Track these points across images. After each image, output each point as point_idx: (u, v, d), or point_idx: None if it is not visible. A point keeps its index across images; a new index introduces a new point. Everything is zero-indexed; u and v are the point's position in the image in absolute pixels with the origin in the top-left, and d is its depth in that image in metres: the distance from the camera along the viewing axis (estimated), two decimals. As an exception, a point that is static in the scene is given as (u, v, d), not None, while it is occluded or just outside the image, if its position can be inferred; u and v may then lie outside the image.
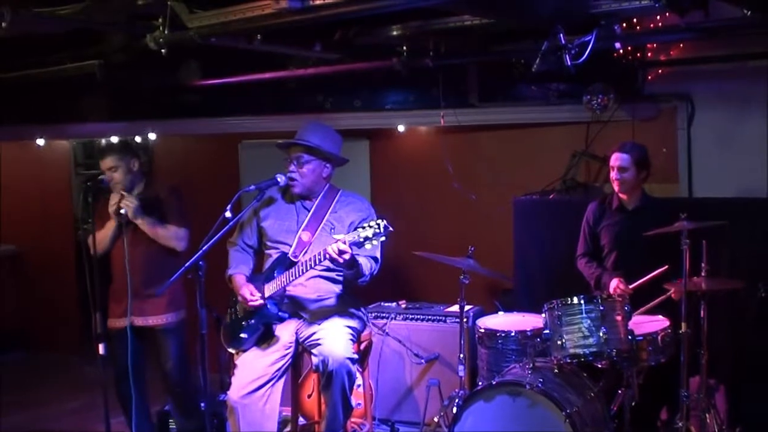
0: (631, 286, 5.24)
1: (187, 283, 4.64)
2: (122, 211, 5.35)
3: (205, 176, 8.05)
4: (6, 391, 7.51)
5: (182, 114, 7.93)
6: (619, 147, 5.49)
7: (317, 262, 4.76)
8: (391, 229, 4.51)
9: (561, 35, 4.74)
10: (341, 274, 5.06)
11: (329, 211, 5.09)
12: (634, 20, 5.54)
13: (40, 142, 8.69)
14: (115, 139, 7.77)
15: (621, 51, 5.88)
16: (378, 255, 5.00)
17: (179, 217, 5.52)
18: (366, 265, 4.92)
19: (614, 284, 5.30)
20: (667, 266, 5.09)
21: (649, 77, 6.36)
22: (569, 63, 4.72)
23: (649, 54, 6.21)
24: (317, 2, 4.08)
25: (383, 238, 4.53)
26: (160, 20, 4.75)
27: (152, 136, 8.34)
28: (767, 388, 5.48)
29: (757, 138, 6.05)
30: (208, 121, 7.96)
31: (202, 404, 5.30)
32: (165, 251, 5.47)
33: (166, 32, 4.73)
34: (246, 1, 4.42)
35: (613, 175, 5.48)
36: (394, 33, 5.50)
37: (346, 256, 4.60)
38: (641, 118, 6.38)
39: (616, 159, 5.46)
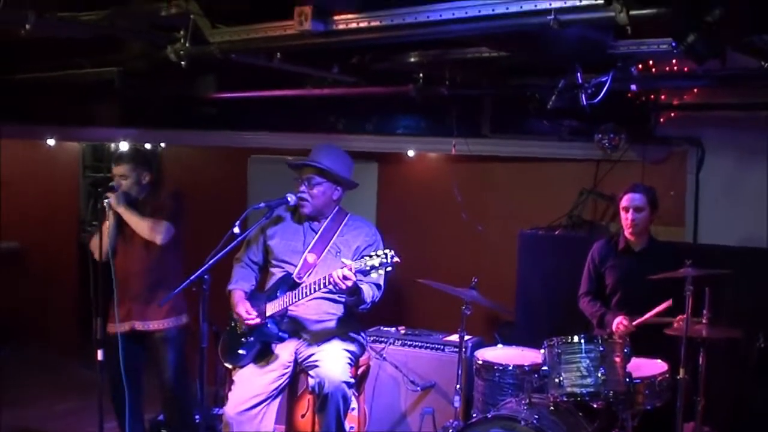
0: (634, 323, 5.24)
1: (189, 289, 4.65)
2: (105, 202, 5.35)
3: (212, 188, 8.08)
4: (1, 387, 7.51)
5: (194, 125, 7.97)
6: (632, 188, 5.49)
7: (321, 287, 4.76)
8: (398, 260, 4.53)
9: (578, 74, 4.78)
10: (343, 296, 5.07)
11: (336, 234, 5.10)
12: (650, 62, 5.57)
13: (51, 142, 8.72)
14: (124, 146, 7.79)
15: (635, 92, 5.91)
16: (381, 282, 5.01)
17: (165, 213, 5.52)
18: (368, 292, 4.92)
19: (618, 320, 5.31)
20: (670, 301, 5.08)
21: (662, 120, 6.39)
22: (585, 102, 4.75)
23: (663, 96, 6.23)
24: (340, 27, 4.11)
25: (389, 269, 4.55)
26: (182, 32, 4.78)
27: (163, 144, 8.37)
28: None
29: (764, 188, 6.07)
30: (219, 133, 8.00)
31: (197, 417, 5.30)
32: (163, 255, 5.48)
33: (187, 45, 4.75)
34: (269, 20, 4.46)
35: (628, 216, 5.45)
36: (412, 60, 5.53)
37: (349, 283, 4.61)
38: (651, 160, 6.40)
39: (631, 200, 5.45)
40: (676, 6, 3.49)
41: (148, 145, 8.50)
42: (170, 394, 5.64)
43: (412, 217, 7.50)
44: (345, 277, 4.58)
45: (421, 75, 5.93)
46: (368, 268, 4.53)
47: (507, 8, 3.61)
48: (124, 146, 9.13)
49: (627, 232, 5.52)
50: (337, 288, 4.71)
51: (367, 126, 7.33)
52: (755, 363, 5.47)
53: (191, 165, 8.59)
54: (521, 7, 3.58)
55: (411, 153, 7.32)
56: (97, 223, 5.33)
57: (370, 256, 4.55)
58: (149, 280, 5.43)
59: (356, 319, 5.24)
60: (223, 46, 4.68)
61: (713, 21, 3.76)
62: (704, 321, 4.91)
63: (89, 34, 4.82)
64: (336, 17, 4.13)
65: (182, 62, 4.87)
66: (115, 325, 5.48)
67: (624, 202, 5.48)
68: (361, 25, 4.08)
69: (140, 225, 5.45)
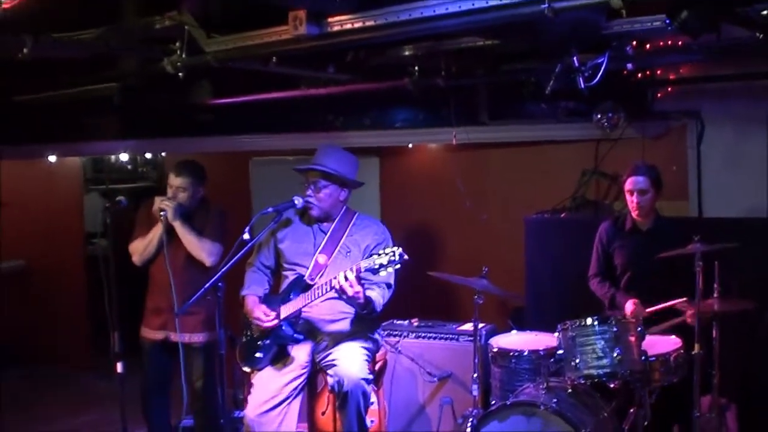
0: (647, 311, 5.27)
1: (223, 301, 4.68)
2: (162, 213, 5.38)
3: (216, 193, 8.07)
4: (14, 406, 7.56)
5: (193, 132, 7.98)
6: (634, 170, 5.49)
7: (331, 288, 4.79)
8: (406, 257, 4.55)
9: (575, 58, 4.79)
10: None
11: (345, 234, 5.13)
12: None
13: (52, 159, 8.74)
14: (125, 157, 7.80)
15: (631, 69, 5.92)
16: (392, 281, 5.05)
17: (216, 233, 5.56)
18: (378, 299, 4.95)
19: (630, 308, 5.33)
20: (685, 299, 5.09)
21: (659, 95, 6.40)
22: (582, 86, 4.77)
23: (659, 72, 6.24)
24: (335, 29, 4.13)
25: (398, 266, 4.58)
26: (178, 44, 4.81)
27: (164, 153, 8.38)
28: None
29: (765, 157, 6.09)
30: (219, 139, 8.01)
31: (221, 421, 5.34)
32: (205, 270, 5.48)
33: (183, 56, 4.78)
34: (263, 26, 4.47)
35: (633, 199, 5.47)
36: (406, 53, 5.54)
37: (356, 288, 4.64)
38: (651, 136, 6.42)
39: (635, 182, 5.45)
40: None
41: (148, 155, 8.52)
42: (202, 402, 5.66)
43: (417, 210, 7.52)
44: (346, 279, 4.63)
45: (416, 68, 5.93)
46: (377, 266, 4.56)
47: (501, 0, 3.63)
48: (124, 158, 9.20)
49: (634, 214, 5.54)
50: (345, 296, 4.73)
51: (366, 121, 7.35)
52: (765, 333, 5.50)
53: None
54: (515, -3, 3.60)
55: (411, 146, 7.33)
56: (108, 241, 5.31)
57: (379, 254, 4.58)
58: (188, 294, 5.41)
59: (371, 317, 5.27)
60: (219, 54, 4.72)
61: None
62: (715, 295, 4.94)
63: (86, 54, 4.84)
64: (330, 19, 4.16)
65: (179, 73, 4.90)
66: (155, 332, 5.54)
67: (628, 185, 5.49)
68: (356, 25, 4.11)
69: (193, 243, 5.47)
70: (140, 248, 5.58)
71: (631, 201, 5.49)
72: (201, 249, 5.48)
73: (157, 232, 5.48)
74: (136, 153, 7.86)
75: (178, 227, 5.45)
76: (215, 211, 5.69)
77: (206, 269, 5.47)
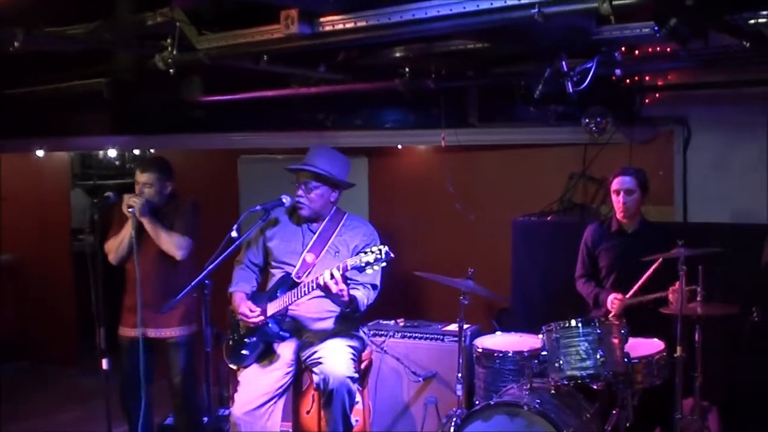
0: (628, 295, 5.33)
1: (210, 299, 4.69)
2: (130, 210, 5.39)
3: (204, 190, 8.08)
4: (3, 402, 7.54)
5: (183, 129, 7.97)
6: (622, 171, 5.56)
7: (316, 286, 4.81)
8: (392, 255, 4.57)
9: (563, 62, 4.83)
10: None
11: (334, 234, 5.15)
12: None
13: (40, 153, 8.72)
14: (113, 153, 7.80)
15: (619, 75, 5.97)
16: (377, 282, 5.07)
17: (186, 227, 5.56)
18: (362, 299, 4.98)
19: (611, 298, 5.41)
20: (660, 259, 5.14)
21: (647, 101, 6.46)
22: (571, 90, 4.81)
23: (647, 78, 6.30)
24: (326, 29, 4.15)
25: (384, 264, 4.61)
26: (169, 41, 4.82)
27: (152, 150, 8.37)
28: (760, 410, 5.56)
29: (751, 163, 6.15)
30: (208, 136, 8.00)
31: (205, 419, 5.35)
32: (178, 264, 5.51)
33: (174, 53, 4.80)
34: (255, 25, 4.49)
35: (619, 199, 5.53)
36: (397, 55, 5.57)
37: (340, 286, 4.67)
38: (638, 141, 6.47)
39: (622, 182, 5.52)
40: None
41: (137, 151, 8.51)
42: (181, 398, 5.68)
43: (405, 210, 7.55)
44: (332, 276, 4.65)
45: (407, 69, 5.97)
46: (363, 264, 4.58)
47: (492, 3, 3.67)
48: (112, 153, 9.19)
49: (619, 215, 5.59)
50: (329, 293, 4.75)
51: (356, 121, 7.37)
52: (748, 337, 5.54)
53: (182, 169, 8.46)
54: (506, 1, 3.63)
55: (400, 146, 7.36)
56: (91, 231, 5.32)
57: (365, 253, 4.60)
58: (164, 289, 5.43)
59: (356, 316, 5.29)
60: (210, 52, 4.73)
61: (693, 4, 3.83)
62: (698, 299, 4.99)
63: (78, 48, 4.85)
64: (322, 19, 4.18)
65: (170, 70, 4.91)
66: (132, 329, 5.53)
67: (615, 185, 5.55)
68: (348, 26, 4.13)
69: (162, 238, 5.48)
70: (113, 247, 5.58)
71: (617, 201, 5.54)
72: (170, 243, 5.49)
73: (128, 229, 5.49)
74: (125, 149, 7.84)
75: (147, 223, 5.46)
76: (186, 204, 5.68)
77: (180, 263, 5.50)
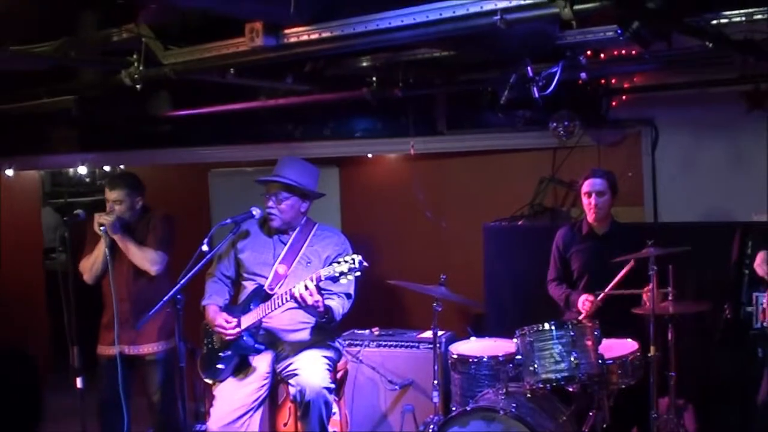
0: (599, 297, 5.36)
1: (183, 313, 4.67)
2: (102, 229, 5.37)
3: (175, 205, 8.05)
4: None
5: (152, 144, 7.95)
6: (592, 173, 5.61)
7: (290, 298, 4.80)
8: (366, 264, 4.58)
9: (528, 68, 4.86)
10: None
11: (305, 244, 5.14)
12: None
13: (9, 172, 8.65)
14: (83, 170, 7.75)
15: (585, 78, 6.01)
16: (351, 291, 5.07)
17: (158, 242, 5.54)
18: (338, 309, 4.97)
19: (582, 299, 5.45)
20: (632, 261, 5.18)
21: (613, 103, 6.50)
22: (537, 95, 4.84)
23: (613, 81, 6.34)
24: (291, 40, 4.16)
25: (358, 274, 4.61)
26: (135, 56, 4.81)
27: (122, 166, 8.33)
28: (735, 406, 5.61)
29: (718, 162, 6.21)
30: (177, 151, 7.99)
31: (182, 435, 5.31)
32: (153, 280, 5.49)
33: (141, 68, 4.78)
34: (220, 38, 4.49)
35: (591, 201, 5.56)
36: (364, 64, 5.59)
37: (315, 297, 4.67)
38: (606, 144, 6.53)
39: (592, 185, 5.56)
40: (617, -3, 3.58)
41: (107, 168, 8.47)
42: (160, 414, 5.65)
43: (377, 219, 7.56)
44: (306, 288, 4.65)
45: (374, 78, 5.97)
46: (337, 274, 4.58)
47: (454, 12, 3.68)
48: (83, 171, 9.13)
49: (590, 217, 5.63)
50: (305, 304, 4.74)
51: (325, 131, 7.38)
52: (721, 333, 5.59)
53: (152, 184, 8.43)
54: (468, 9, 3.64)
55: (371, 155, 7.37)
56: (62, 249, 5.30)
57: (339, 263, 4.60)
58: (140, 305, 5.38)
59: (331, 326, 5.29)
60: (176, 67, 4.73)
61: (655, 7, 3.87)
62: (670, 298, 5.04)
63: (44, 66, 4.83)
64: (287, 31, 4.18)
65: (137, 85, 4.90)
66: (109, 347, 5.49)
67: (585, 187, 5.59)
68: (312, 37, 4.13)
69: (136, 255, 5.46)
70: (87, 266, 5.55)
71: (588, 203, 5.58)
72: (144, 259, 5.47)
73: (101, 248, 5.47)
74: (95, 166, 7.81)
75: (119, 240, 5.44)
76: (158, 218, 5.66)
77: (155, 279, 5.48)
